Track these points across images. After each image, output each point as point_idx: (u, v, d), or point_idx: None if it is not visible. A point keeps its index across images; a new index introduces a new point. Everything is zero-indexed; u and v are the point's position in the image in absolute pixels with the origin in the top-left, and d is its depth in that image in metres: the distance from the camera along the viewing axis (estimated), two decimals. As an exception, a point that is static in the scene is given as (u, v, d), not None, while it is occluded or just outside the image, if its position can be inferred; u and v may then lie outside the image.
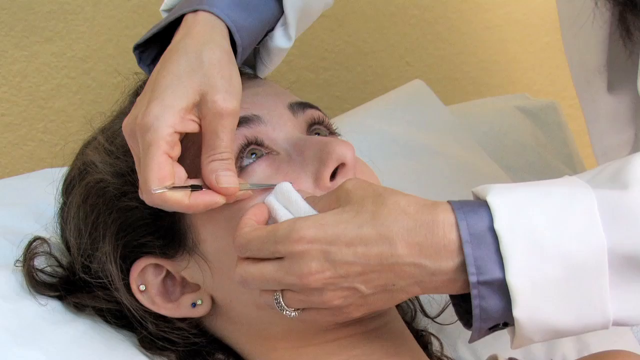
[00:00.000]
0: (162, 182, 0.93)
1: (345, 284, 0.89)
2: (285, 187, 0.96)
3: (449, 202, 0.89)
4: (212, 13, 1.00)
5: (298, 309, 0.92)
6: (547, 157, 1.52)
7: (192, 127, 0.96)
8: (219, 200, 0.95)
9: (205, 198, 0.95)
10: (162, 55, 0.99)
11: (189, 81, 0.95)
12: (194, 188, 0.95)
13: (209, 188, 0.95)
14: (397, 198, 0.89)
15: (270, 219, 0.95)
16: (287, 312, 0.92)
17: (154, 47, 1.07)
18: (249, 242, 0.92)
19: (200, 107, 0.95)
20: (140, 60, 1.07)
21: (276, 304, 0.92)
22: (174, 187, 0.93)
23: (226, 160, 0.95)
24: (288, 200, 0.95)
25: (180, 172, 0.95)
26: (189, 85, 0.95)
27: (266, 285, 0.92)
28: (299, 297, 0.91)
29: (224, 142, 0.95)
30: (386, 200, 0.89)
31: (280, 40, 1.09)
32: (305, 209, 0.93)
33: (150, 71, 1.06)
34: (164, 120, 0.93)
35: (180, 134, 0.95)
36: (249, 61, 1.13)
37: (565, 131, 1.60)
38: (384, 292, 0.90)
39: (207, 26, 1.00)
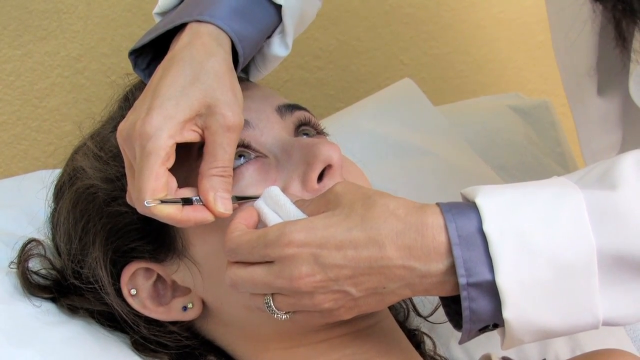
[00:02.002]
0: (155, 194, 0.92)
1: (335, 287, 0.89)
2: (274, 191, 0.96)
3: (437, 204, 0.90)
4: (214, 24, 1.00)
5: (289, 312, 0.93)
6: (540, 156, 1.53)
7: (193, 137, 0.95)
8: (210, 217, 0.95)
9: (196, 215, 0.94)
10: (163, 62, 0.99)
11: (193, 92, 0.95)
12: (185, 202, 0.95)
13: (199, 196, 0.95)
14: (386, 200, 0.89)
15: (260, 223, 0.95)
16: (278, 315, 0.93)
17: (149, 51, 1.06)
18: (238, 246, 0.92)
19: (205, 117, 0.95)
20: (135, 65, 1.07)
21: (267, 307, 0.92)
22: (165, 201, 0.93)
23: (227, 179, 0.95)
24: (277, 204, 0.95)
25: (172, 183, 0.95)
26: (193, 97, 0.94)
27: (256, 289, 0.92)
28: (289, 300, 0.91)
29: (228, 154, 0.95)
30: (375, 203, 0.89)
31: (278, 48, 1.10)
32: (294, 213, 0.93)
33: (145, 76, 1.06)
34: (165, 130, 0.93)
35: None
36: None
37: (558, 130, 1.60)
38: (375, 294, 0.90)
39: (212, 38, 0.99)
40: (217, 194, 0.94)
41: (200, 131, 0.96)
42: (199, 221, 0.95)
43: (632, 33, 1.01)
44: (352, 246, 0.88)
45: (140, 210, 0.94)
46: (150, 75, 1.01)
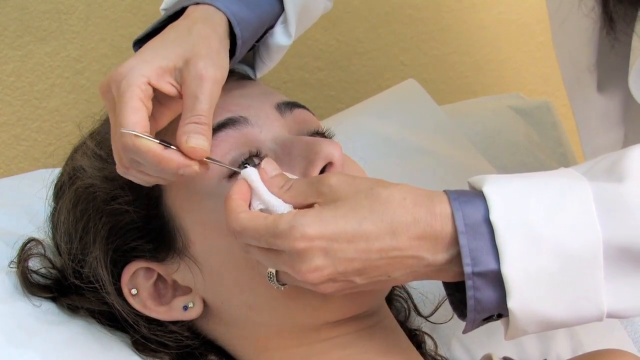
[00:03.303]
0: (135, 127, 0.91)
1: (341, 279, 0.89)
2: (251, 176, 0.93)
3: (445, 192, 0.89)
4: (213, 6, 1.01)
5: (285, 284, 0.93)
6: (541, 156, 1.53)
7: (169, 89, 0.95)
8: (194, 166, 0.92)
9: (180, 158, 0.92)
10: None
11: (173, 47, 0.95)
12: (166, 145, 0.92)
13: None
14: (390, 191, 0.89)
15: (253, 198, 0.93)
16: (276, 285, 0.93)
17: None
18: (244, 229, 0.90)
19: (182, 72, 0.95)
20: None
21: (268, 276, 0.92)
22: (144, 137, 0.91)
23: (202, 125, 0.92)
24: (254, 191, 0.93)
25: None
26: (172, 50, 0.95)
27: (262, 260, 0.91)
28: (292, 280, 0.91)
29: (203, 104, 0.93)
30: (380, 194, 0.88)
31: (280, 37, 1.09)
32: (272, 202, 0.92)
33: None
34: (138, 70, 0.93)
35: (155, 89, 0.94)
36: (248, 60, 1.13)
37: (559, 130, 1.60)
38: (377, 282, 0.90)
39: (204, 13, 1.00)
40: (190, 135, 0.91)
41: (178, 86, 0.95)
42: (182, 164, 0.91)
43: (619, 14, 1.01)
44: (363, 238, 0.87)
45: (120, 148, 0.91)
46: None
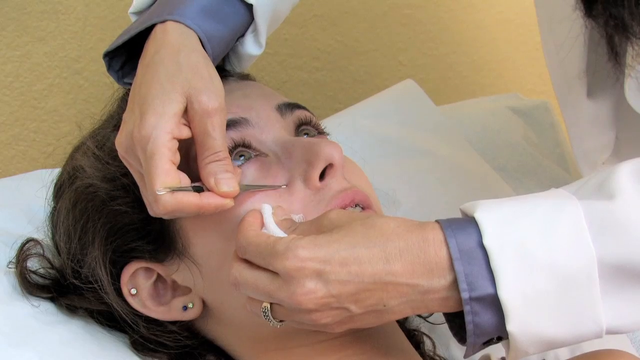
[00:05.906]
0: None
1: (336, 305, 0.89)
2: (264, 208, 0.96)
3: (437, 221, 0.90)
4: (182, 23, 1.00)
5: (283, 320, 0.93)
6: (539, 157, 1.53)
7: (187, 133, 0.95)
8: (227, 202, 0.95)
9: (216, 199, 0.94)
10: (138, 70, 0.99)
11: (172, 87, 0.95)
12: (197, 190, 0.94)
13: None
14: (385, 219, 0.90)
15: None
16: (272, 322, 0.93)
17: (123, 52, 1.07)
18: (249, 244, 0.92)
19: (187, 111, 0.95)
20: (109, 67, 1.07)
21: (263, 313, 0.93)
22: (178, 189, 0.92)
23: (223, 161, 0.95)
24: (265, 225, 0.95)
25: (185, 180, 0.94)
26: (173, 91, 0.94)
27: (256, 294, 0.92)
28: (286, 312, 0.91)
29: (217, 140, 0.95)
30: (375, 223, 0.90)
31: (251, 47, 1.10)
32: (279, 234, 0.93)
33: (119, 77, 1.07)
34: (161, 128, 0.93)
35: (178, 140, 0.95)
36: (218, 65, 1.13)
37: (557, 131, 1.60)
38: (373, 312, 0.90)
39: (179, 35, 1.00)
40: (217, 176, 0.94)
41: (188, 124, 0.96)
42: (219, 205, 0.94)
43: (625, 48, 1.01)
44: (356, 262, 0.88)
45: (160, 210, 0.93)
46: (124, 76, 1.05)
